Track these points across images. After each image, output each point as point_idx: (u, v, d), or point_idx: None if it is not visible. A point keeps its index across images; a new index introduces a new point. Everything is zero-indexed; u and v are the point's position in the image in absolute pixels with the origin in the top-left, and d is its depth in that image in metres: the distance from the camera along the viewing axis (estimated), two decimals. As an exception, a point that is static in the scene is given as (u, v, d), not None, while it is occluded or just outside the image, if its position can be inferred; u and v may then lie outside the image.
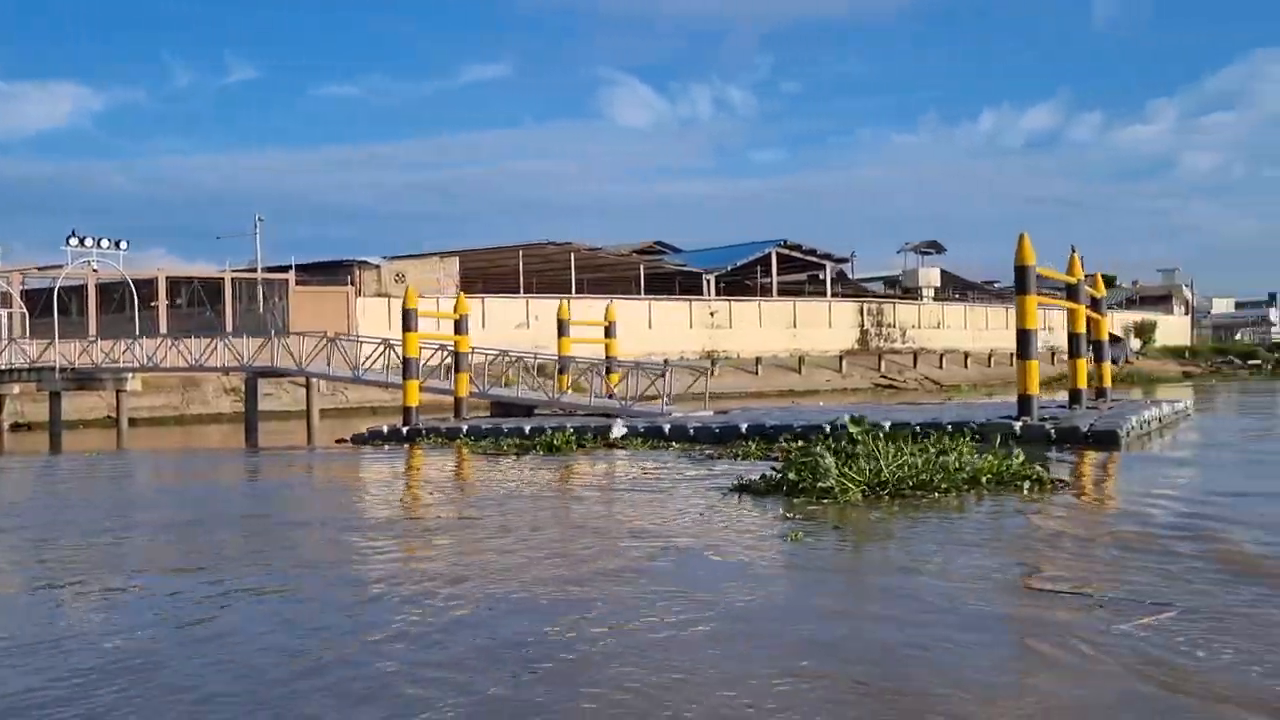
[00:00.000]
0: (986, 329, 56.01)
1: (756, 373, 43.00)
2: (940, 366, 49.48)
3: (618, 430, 14.95)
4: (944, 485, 7.68)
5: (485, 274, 43.95)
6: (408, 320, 18.02)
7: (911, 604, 4.51)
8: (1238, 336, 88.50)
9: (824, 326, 47.82)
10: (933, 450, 8.35)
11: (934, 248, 54.83)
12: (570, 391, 20.13)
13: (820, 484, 7.62)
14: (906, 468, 7.80)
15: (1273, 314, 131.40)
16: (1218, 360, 66.53)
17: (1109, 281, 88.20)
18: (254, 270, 37.09)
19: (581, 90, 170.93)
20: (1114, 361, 59.12)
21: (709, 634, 4.07)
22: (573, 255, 42.27)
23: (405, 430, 16.89)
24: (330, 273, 38.41)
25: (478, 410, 19.60)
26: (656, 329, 42.90)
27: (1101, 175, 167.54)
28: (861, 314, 49.64)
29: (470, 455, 13.91)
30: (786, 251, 49.11)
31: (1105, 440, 12.73)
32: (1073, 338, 16.82)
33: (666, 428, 15.21)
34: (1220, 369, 63.05)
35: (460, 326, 18.84)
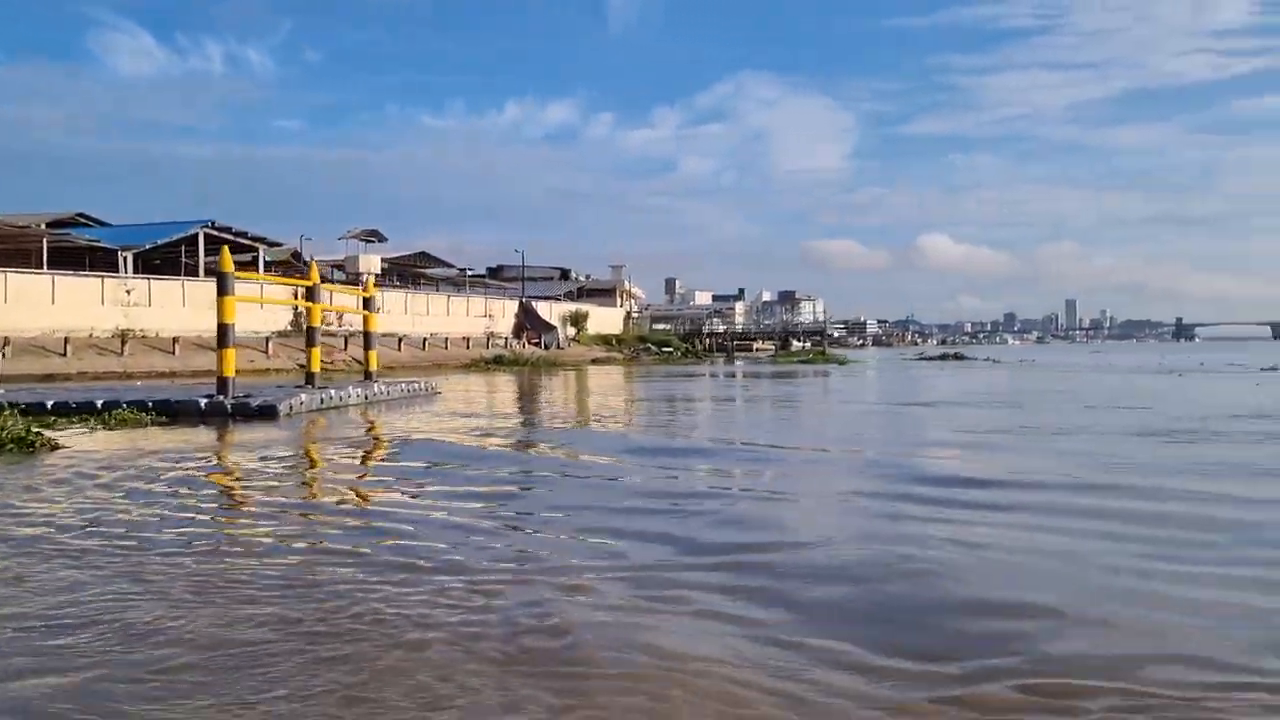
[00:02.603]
0: (428, 315, 60.08)
1: (174, 353, 43.07)
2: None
3: None
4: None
5: None
6: None
7: None
8: (705, 327, 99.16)
9: (256, 308, 48.73)
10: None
11: (375, 236, 57.99)
12: None
13: None
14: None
15: (739, 306, 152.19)
16: (638, 347, 76.46)
17: (564, 274, 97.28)
18: None
19: (66, 28, 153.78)
20: (545, 347, 66.80)
21: None
22: (-46, 224, 39.43)
23: None
24: None
25: None
26: (61, 305, 41.41)
27: (613, 172, 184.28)
28: (297, 297, 51.07)
29: None
30: (215, 233, 49.35)
31: (267, 414, 15.90)
32: (309, 330, 20.24)
33: (-109, 407, 16.09)
34: (639, 355, 72.72)
35: None
